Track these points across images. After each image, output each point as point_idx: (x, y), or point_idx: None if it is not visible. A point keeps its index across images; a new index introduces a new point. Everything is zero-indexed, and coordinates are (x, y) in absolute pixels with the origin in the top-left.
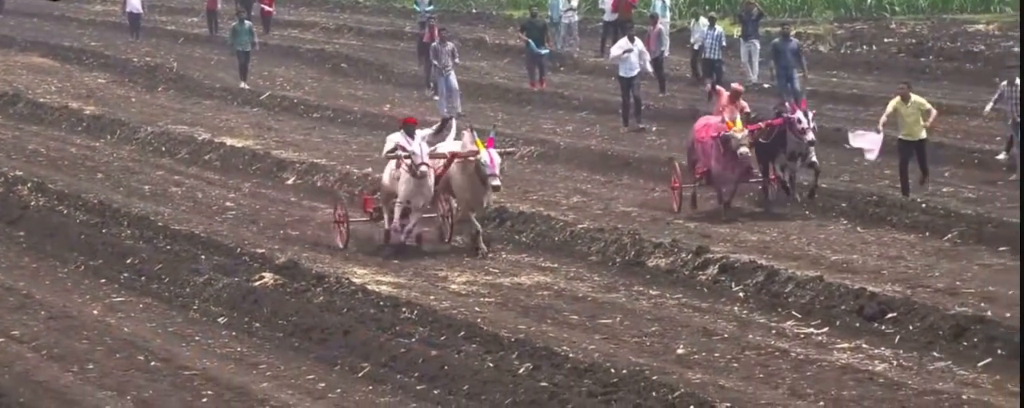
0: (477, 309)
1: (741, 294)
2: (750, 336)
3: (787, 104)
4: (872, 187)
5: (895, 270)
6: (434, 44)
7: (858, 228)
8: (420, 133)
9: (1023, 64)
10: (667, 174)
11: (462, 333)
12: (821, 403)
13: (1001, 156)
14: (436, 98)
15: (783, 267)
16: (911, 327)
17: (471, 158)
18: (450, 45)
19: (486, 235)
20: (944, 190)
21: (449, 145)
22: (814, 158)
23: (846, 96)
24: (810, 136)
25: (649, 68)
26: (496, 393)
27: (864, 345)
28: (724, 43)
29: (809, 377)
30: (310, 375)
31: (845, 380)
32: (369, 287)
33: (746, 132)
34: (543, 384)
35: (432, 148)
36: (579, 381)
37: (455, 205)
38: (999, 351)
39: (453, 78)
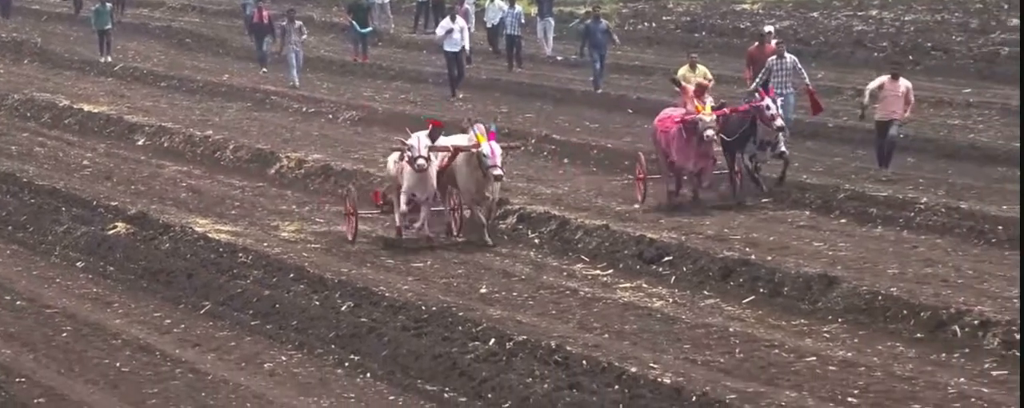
0: (305, 254)
1: (536, 240)
2: (544, 277)
3: (757, 96)
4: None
5: (671, 219)
6: (284, 23)
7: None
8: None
9: (1023, 63)
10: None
11: (291, 275)
12: (606, 335)
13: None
14: (263, 72)
15: (573, 217)
16: (685, 269)
17: (473, 150)
18: (298, 23)
19: (491, 226)
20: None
21: (454, 139)
22: (784, 148)
23: (630, 67)
24: (779, 122)
25: (467, 44)
26: (321, 328)
27: (644, 285)
28: (523, 21)
29: (595, 313)
30: (157, 312)
31: (627, 315)
32: (210, 235)
33: (714, 116)
34: (363, 319)
35: (433, 142)
36: (394, 317)
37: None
38: (761, 290)
39: (301, 52)
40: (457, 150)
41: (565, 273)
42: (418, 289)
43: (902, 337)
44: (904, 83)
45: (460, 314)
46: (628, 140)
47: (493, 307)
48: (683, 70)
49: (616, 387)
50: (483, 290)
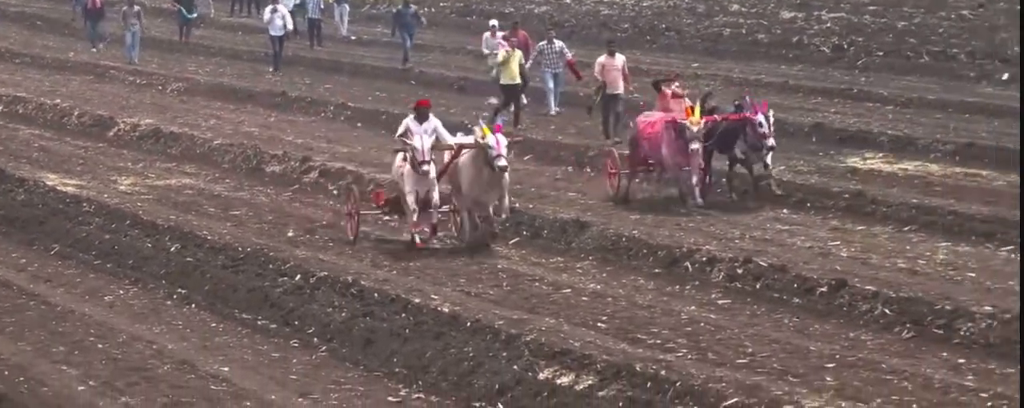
0: (139, 204)
1: (335, 192)
2: (341, 222)
3: (747, 99)
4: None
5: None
6: (124, 8)
7: None
8: (432, 121)
9: (1023, 63)
10: (282, 103)
11: (128, 222)
12: (394, 271)
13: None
14: (94, 51)
15: (367, 172)
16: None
17: (479, 140)
18: (136, 8)
19: (493, 228)
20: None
21: (458, 137)
22: (769, 160)
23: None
24: (771, 142)
25: (290, 26)
26: (153, 266)
27: (426, 228)
28: (322, 6)
29: (385, 253)
30: (14, 253)
31: (412, 253)
32: (58, 188)
33: (702, 125)
34: (188, 259)
35: (421, 123)
36: (215, 256)
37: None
38: (524, 232)
39: (138, 33)
40: (461, 148)
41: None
42: (235, 233)
43: (643, 272)
44: (620, 58)
45: (271, 254)
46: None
47: (299, 248)
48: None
49: (403, 315)
50: (290, 234)
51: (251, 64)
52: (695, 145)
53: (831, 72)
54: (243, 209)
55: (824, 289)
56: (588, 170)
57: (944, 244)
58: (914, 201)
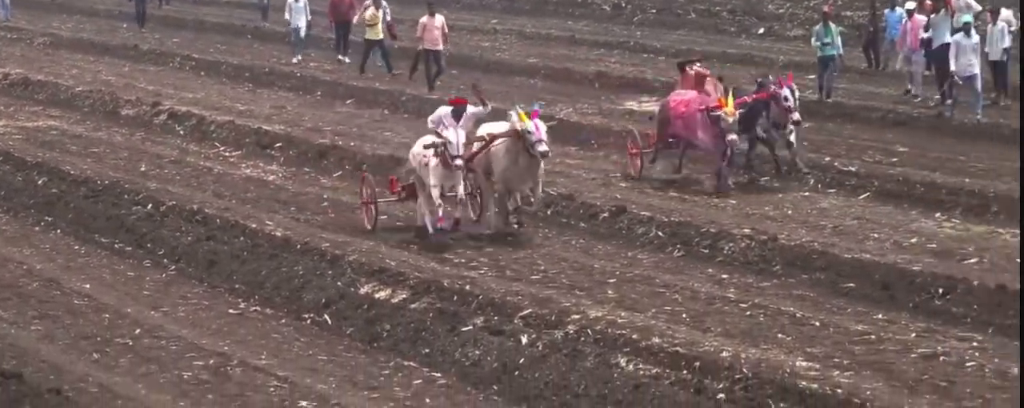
0: (10, 143)
1: (182, 132)
2: (188, 158)
3: (769, 77)
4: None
5: (281, 116)
6: None
7: (257, 89)
8: (467, 117)
9: (1023, 64)
10: (135, 55)
11: (0, 159)
12: (234, 200)
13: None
14: None
15: (209, 114)
16: (291, 152)
17: (516, 128)
18: None
19: (519, 216)
20: (312, 65)
21: (495, 129)
22: (793, 138)
23: (248, 5)
24: (796, 116)
25: None
26: (23, 197)
27: (260, 163)
28: None
29: (226, 184)
30: None
31: (249, 185)
32: None
33: (736, 116)
34: (54, 190)
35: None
36: (78, 188)
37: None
38: (347, 166)
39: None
40: (493, 138)
41: (203, 155)
42: (95, 168)
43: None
44: (440, 18)
45: (126, 186)
46: (248, 58)
47: (151, 181)
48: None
49: (242, 238)
50: (143, 169)
51: (108, 21)
52: (732, 137)
53: (612, 27)
54: (102, 147)
55: (606, 215)
56: (402, 111)
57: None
58: None
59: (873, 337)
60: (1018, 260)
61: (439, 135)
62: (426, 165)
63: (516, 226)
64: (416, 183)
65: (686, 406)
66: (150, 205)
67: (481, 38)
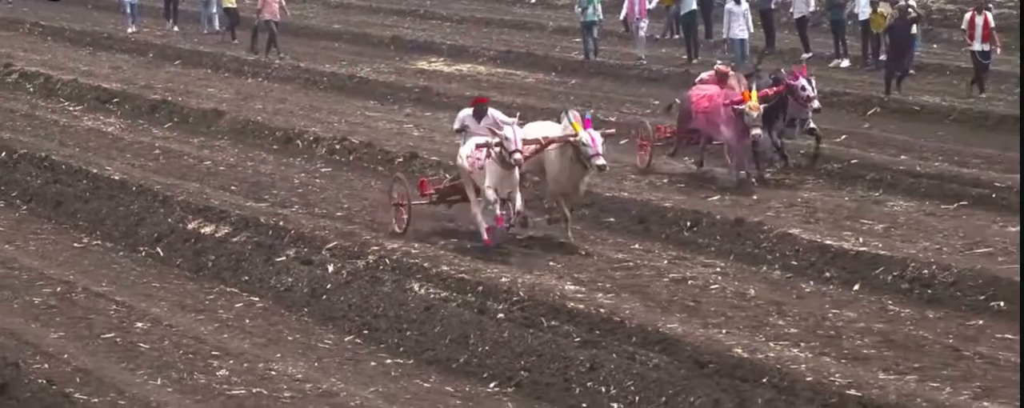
0: None
1: (31, 90)
2: (37, 112)
3: (783, 71)
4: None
5: (118, 75)
6: None
7: (97, 52)
8: (494, 114)
9: (1023, 66)
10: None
11: None
12: (77, 149)
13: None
14: None
15: (55, 74)
16: (127, 106)
17: (571, 140)
18: None
19: (572, 225)
20: (144, 31)
21: (544, 129)
22: (813, 125)
23: None
24: (816, 104)
25: None
26: None
27: (101, 116)
28: None
29: (69, 134)
30: None
31: (90, 135)
32: None
33: (760, 110)
34: None
35: (480, 121)
36: None
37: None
38: (175, 119)
39: None
40: (548, 142)
41: (51, 110)
42: None
43: (265, 148)
44: None
45: None
46: (89, 25)
47: (5, 132)
48: None
49: (85, 181)
50: None
51: None
52: (756, 131)
53: None
54: None
55: (401, 159)
56: (239, 74)
57: None
58: (467, 93)
59: (631, 264)
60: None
61: (495, 133)
62: (480, 168)
63: (571, 240)
64: (466, 188)
65: (471, 324)
66: (3, 153)
67: (291, 7)
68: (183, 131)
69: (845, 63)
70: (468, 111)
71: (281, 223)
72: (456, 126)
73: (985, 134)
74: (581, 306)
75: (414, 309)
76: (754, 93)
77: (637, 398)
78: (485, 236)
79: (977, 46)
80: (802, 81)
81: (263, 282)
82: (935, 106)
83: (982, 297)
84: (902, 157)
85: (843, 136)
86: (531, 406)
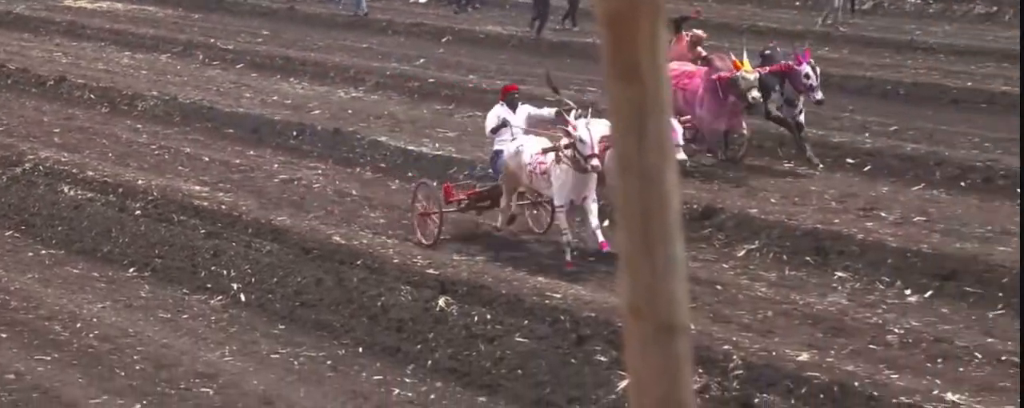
0: None
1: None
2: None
3: (778, 49)
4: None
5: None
6: None
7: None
8: (524, 108)
9: (1023, 66)
10: None
11: None
12: None
13: None
14: None
15: None
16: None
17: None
18: None
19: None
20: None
21: (598, 127)
22: (802, 118)
23: None
24: (818, 95)
25: None
26: None
27: None
28: None
29: None
30: None
31: None
32: None
33: (756, 74)
34: None
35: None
36: None
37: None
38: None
39: None
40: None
41: None
42: None
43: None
44: None
45: None
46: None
47: None
48: None
49: None
50: None
51: None
52: (755, 93)
53: None
54: None
55: (51, 82)
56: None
57: (128, 53)
58: (107, 26)
59: (246, 167)
60: None
61: (566, 134)
62: (544, 174)
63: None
64: (504, 194)
65: (113, 220)
66: None
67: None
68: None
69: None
70: (498, 107)
71: None
72: (492, 125)
73: (539, 58)
74: (205, 203)
75: (65, 208)
76: (746, 62)
77: (253, 279)
78: (568, 258)
79: None
80: (806, 67)
81: None
82: (497, 34)
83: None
84: (470, 76)
85: (421, 59)
86: (164, 287)
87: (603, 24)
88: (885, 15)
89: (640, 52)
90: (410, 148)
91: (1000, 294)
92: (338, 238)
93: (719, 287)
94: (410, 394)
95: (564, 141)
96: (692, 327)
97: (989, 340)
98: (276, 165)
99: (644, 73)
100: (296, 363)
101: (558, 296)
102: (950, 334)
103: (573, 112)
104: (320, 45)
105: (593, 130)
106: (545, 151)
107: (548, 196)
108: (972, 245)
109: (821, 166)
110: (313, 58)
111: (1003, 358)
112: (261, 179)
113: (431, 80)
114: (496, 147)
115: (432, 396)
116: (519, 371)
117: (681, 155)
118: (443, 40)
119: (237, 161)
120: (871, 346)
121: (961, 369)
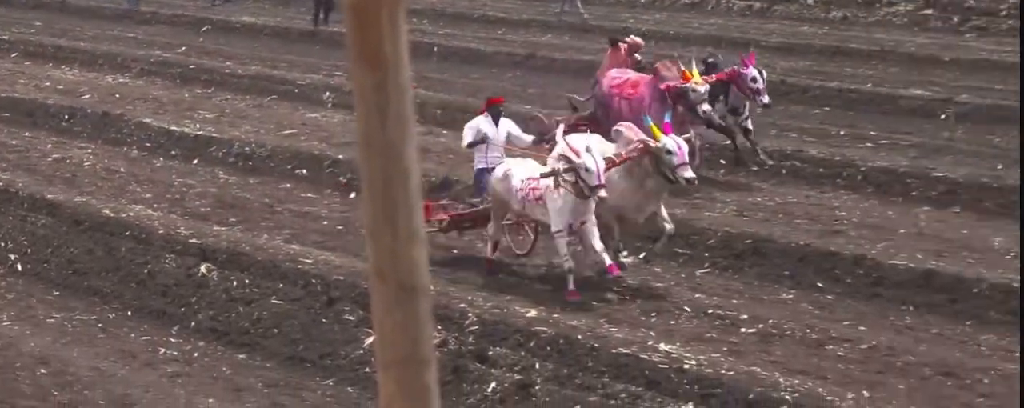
0: None
1: None
2: None
3: (720, 56)
4: None
5: None
6: None
7: None
8: (506, 123)
9: (1022, 65)
10: None
11: None
12: None
13: None
14: None
15: None
16: None
17: (653, 147)
18: None
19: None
20: None
21: (588, 143)
22: (750, 124)
23: None
24: (765, 99)
25: None
26: None
27: None
28: None
29: None
30: None
31: None
32: None
33: (706, 85)
34: None
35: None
36: None
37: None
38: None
39: None
40: (624, 159)
41: None
42: None
43: None
44: None
45: None
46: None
47: None
48: None
49: None
50: None
51: None
52: (705, 107)
53: None
54: None
55: None
56: None
57: None
58: None
59: (22, 148)
60: None
61: (569, 160)
62: (538, 200)
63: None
64: (493, 217)
65: None
66: None
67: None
68: None
69: None
70: (479, 119)
71: None
72: (470, 139)
73: (289, 45)
74: None
75: None
76: (696, 73)
77: (30, 250)
78: (571, 286)
79: None
80: (753, 71)
81: None
82: (251, 23)
83: (289, 166)
84: (227, 63)
85: (183, 47)
86: None
87: (348, 12)
88: (602, 4)
89: (383, 39)
90: (173, 128)
91: (706, 255)
92: (108, 211)
93: (456, 252)
94: (175, 353)
95: (562, 165)
96: (431, 288)
97: (697, 295)
98: (49, 145)
99: (386, 58)
100: (70, 326)
101: (310, 262)
102: (662, 291)
103: (560, 129)
104: (90, 35)
105: (599, 158)
106: (544, 176)
107: (543, 221)
108: (681, 211)
109: (771, 162)
110: (83, 47)
111: (709, 312)
112: (35, 158)
113: (192, 66)
114: (478, 165)
115: (195, 354)
116: (275, 330)
117: (689, 173)
118: (203, 30)
119: (13, 142)
120: (593, 302)
121: (672, 322)
